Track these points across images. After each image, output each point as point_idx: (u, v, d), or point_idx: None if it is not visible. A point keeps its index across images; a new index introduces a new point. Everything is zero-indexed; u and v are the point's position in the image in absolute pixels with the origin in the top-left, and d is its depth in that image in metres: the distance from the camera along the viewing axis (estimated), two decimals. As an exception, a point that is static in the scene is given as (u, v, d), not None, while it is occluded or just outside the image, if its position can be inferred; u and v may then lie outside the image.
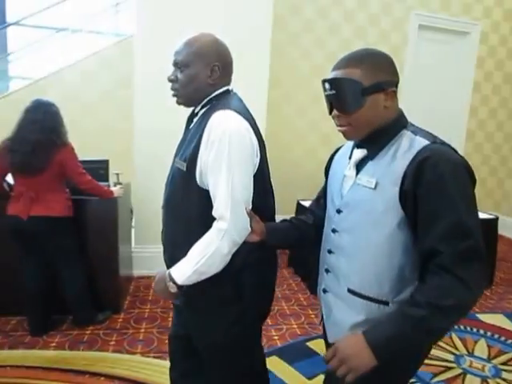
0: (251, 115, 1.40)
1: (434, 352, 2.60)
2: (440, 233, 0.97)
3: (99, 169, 3.01)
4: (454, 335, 2.84)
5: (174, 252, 1.36)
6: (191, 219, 1.34)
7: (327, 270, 1.25)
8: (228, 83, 1.44)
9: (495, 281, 3.91)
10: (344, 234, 1.18)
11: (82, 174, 2.56)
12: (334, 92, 1.11)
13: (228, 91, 1.42)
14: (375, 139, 1.13)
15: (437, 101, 5.30)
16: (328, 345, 1.28)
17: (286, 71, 4.73)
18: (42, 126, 2.43)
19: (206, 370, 1.53)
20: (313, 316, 3.06)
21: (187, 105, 1.43)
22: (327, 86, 1.13)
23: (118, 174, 3.16)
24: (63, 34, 4.81)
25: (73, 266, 2.69)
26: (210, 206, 1.28)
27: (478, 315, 3.18)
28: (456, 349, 2.69)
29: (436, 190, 0.99)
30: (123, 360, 2.43)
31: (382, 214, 1.07)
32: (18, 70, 4.94)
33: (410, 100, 5.04)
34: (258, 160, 1.34)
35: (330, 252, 1.23)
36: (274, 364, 2.43)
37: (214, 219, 1.27)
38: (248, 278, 1.36)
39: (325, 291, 1.26)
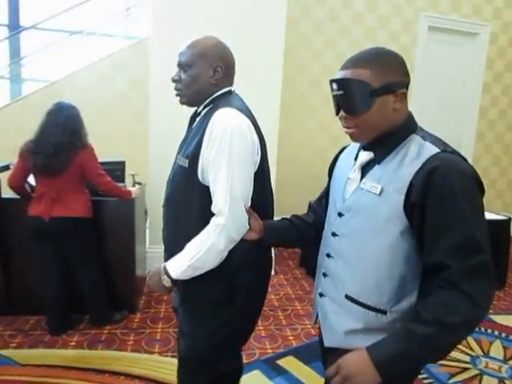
0: (252, 114, 1.42)
1: (451, 353, 2.59)
2: (449, 246, 0.94)
3: (116, 170, 3.04)
4: (469, 336, 2.83)
5: (175, 250, 1.36)
6: (192, 216, 1.35)
7: (325, 274, 1.22)
8: (230, 84, 1.46)
9: (508, 282, 3.89)
10: (344, 239, 1.15)
11: (101, 175, 2.59)
12: (341, 93, 1.08)
13: (230, 92, 1.44)
14: (383, 142, 1.09)
15: (446, 102, 5.29)
16: (323, 348, 1.25)
17: (297, 72, 4.74)
18: (64, 129, 2.47)
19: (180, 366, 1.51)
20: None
21: (190, 104, 1.44)
22: (335, 86, 1.09)
23: (133, 175, 3.18)
24: (76, 37, 4.84)
25: (92, 266, 2.72)
26: (211, 203, 1.29)
27: (491, 316, 3.17)
28: (471, 350, 2.68)
29: (446, 201, 0.95)
30: (141, 359, 2.45)
31: (385, 222, 1.03)
32: (32, 72, 4.97)
33: (420, 101, 5.05)
34: (258, 158, 1.35)
35: (328, 256, 1.20)
36: (291, 364, 2.44)
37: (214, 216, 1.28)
38: (242, 280, 1.36)
39: (321, 295, 1.23)
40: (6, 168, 2.81)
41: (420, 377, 2.35)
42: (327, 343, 1.19)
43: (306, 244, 1.47)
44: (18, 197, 2.69)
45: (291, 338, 2.75)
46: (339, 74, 1.09)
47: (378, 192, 1.05)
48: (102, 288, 2.77)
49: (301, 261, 4.09)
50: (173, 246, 1.40)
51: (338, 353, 1.10)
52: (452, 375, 2.39)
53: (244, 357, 2.45)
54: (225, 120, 1.28)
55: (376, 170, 1.09)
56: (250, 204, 1.32)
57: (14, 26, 4.89)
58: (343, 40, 4.85)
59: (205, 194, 1.30)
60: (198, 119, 1.42)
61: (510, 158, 5.67)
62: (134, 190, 2.83)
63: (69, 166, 2.48)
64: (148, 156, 3.57)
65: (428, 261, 0.99)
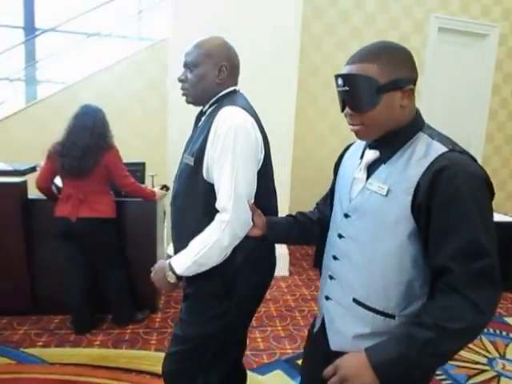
0: (256, 113, 1.44)
1: (467, 355, 2.64)
2: (453, 250, 0.91)
3: (136, 171, 3.06)
4: (484, 338, 2.87)
5: (181, 247, 1.38)
6: (197, 214, 1.37)
7: (331, 277, 1.18)
8: (235, 84, 1.48)
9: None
10: (350, 241, 1.11)
11: (126, 176, 2.63)
12: (346, 88, 1.03)
13: (235, 91, 1.46)
14: (389, 141, 1.05)
15: (456, 103, 5.31)
16: (328, 352, 1.17)
17: (309, 74, 4.76)
18: (92, 132, 2.50)
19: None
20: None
21: (196, 104, 1.47)
22: (340, 81, 1.04)
23: (153, 176, 3.22)
24: (91, 39, 4.86)
25: (116, 266, 2.76)
26: (216, 200, 1.31)
27: (505, 319, 3.21)
28: (488, 352, 2.71)
29: (452, 203, 0.91)
30: (166, 358, 2.49)
31: (392, 224, 1.00)
32: (47, 75, 5.00)
33: (429, 103, 5.07)
34: (262, 156, 1.37)
35: (334, 258, 1.16)
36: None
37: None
38: (242, 278, 1.38)
39: (327, 298, 1.19)
40: (33, 169, 2.85)
41: (438, 378, 2.40)
42: (334, 347, 1.16)
43: (310, 241, 1.46)
44: (43, 198, 2.73)
45: (310, 337, 2.79)
46: (345, 69, 1.04)
47: (384, 193, 1.01)
48: (126, 288, 2.81)
49: (315, 262, 4.13)
50: (179, 243, 1.42)
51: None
52: (470, 377, 2.43)
53: (265, 357, 2.53)
54: (229, 118, 1.30)
55: (382, 169, 1.05)
56: (253, 201, 1.34)
57: (30, 28, 4.91)
58: (354, 41, 4.87)
59: (210, 191, 1.32)
60: (203, 118, 1.44)
61: (520, 160, 5.69)
62: (157, 191, 2.87)
63: (95, 168, 2.52)
64: (165, 156, 3.60)
65: (432, 264, 0.96)
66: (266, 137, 1.43)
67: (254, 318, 2.87)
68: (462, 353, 2.65)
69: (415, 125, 1.05)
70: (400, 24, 5.01)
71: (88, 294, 2.74)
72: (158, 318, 2.98)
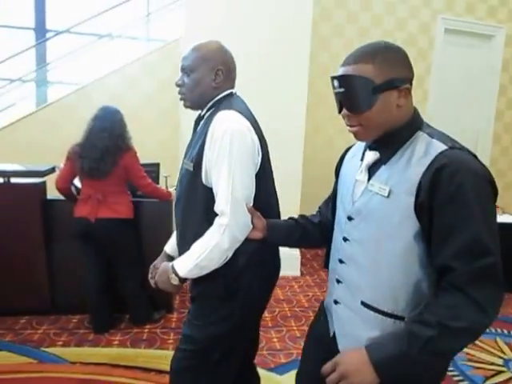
0: (253, 116, 1.45)
1: (482, 356, 2.67)
2: (455, 249, 0.90)
3: (151, 172, 3.08)
4: (498, 339, 2.89)
5: (184, 250, 1.39)
6: (198, 218, 1.38)
7: (338, 281, 1.17)
8: (232, 87, 1.49)
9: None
10: (355, 244, 1.10)
11: (143, 177, 2.65)
12: (342, 90, 1.03)
13: (231, 94, 1.47)
14: (388, 141, 1.04)
15: (463, 104, 5.32)
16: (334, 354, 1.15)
17: (317, 75, 4.76)
18: (111, 134, 2.53)
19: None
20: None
21: (194, 108, 1.48)
22: (336, 83, 1.04)
23: (166, 177, 3.24)
24: (101, 41, 4.87)
25: (133, 266, 2.78)
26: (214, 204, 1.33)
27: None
28: (503, 353, 2.73)
29: (453, 202, 0.90)
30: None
31: (397, 226, 0.99)
32: (59, 76, 5.01)
33: (436, 104, 5.10)
34: (259, 159, 1.38)
35: (341, 261, 1.16)
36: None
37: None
38: (244, 280, 1.39)
39: (336, 302, 1.18)
40: (52, 170, 2.87)
41: (455, 379, 2.42)
42: (343, 350, 1.13)
43: (311, 244, 1.45)
44: (62, 198, 2.76)
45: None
46: (340, 71, 1.04)
47: (386, 194, 1.01)
48: (144, 288, 2.83)
49: (325, 263, 4.15)
50: (182, 246, 1.44)
51: None
52: (487, 378, 2.45)
53: (282, 357, 2.56)
54: (225, 122, 1.32)
55: (383, 170, 1.05)
56: (252, 204, 1.35)
57: (40, 30, 4.92)
58: (362, 42, 4.83)
59: (209, 196, 1.34)
60: (201, 122, 1.45)
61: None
62: (172, 192, 2.90)
63: (114, 169, 2.55)
64: (177, 157, 3.61)
65: (434, 263, 0.96)
66: (263, 139, 1.45)
67: (268, 319, 2.97)
68: (477, 353, 2.68)
69: (413, 124, 1.04)
70: (407, 25, 5.03)
71: (106, 294, 2.77)
72: (174, 317, 3.01)
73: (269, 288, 1.53)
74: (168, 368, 1.53)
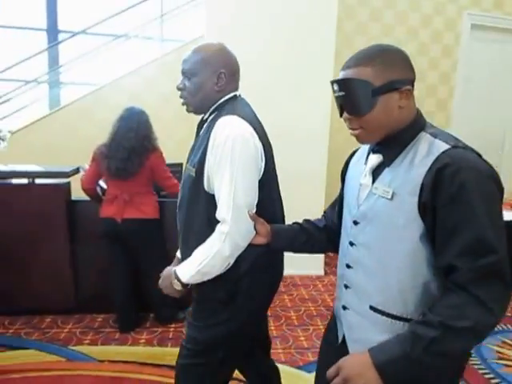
0: (257, 120, 1.46)
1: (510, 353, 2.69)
2: (458, 248, 0.91)
3: (175, 172, 3.15)
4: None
5: (186, 255, 1.43)
6: (200, 224, 1.41)
7: (346, 286, 1.18)
8: (235, 89, 1.49)
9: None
10: (362, 248, 1.12)
11: (169, 177, 2.73)
12: (342, 93, 1.05)
13: (235, 97, 1.48)
14: (391, 143, 1.06)
15: (490, 101, 5.31)
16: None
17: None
18: (137, 134, 2.61)
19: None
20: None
21: (197, 112, 1.49)
22: (336, 87, 1.07)
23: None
24: (116, 42, 4.99)
25: (159, 266, 2.83)
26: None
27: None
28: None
29: (455, 201, 0.92)
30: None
31: (402, 228, 1.00)
32: (74, 77, 5.13)
33: (463, 100, 5.10)
34: (263, 164, 1.39)
35: (348, 266, 1.17)
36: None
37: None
38: (245, 283, 1.41)
39: (345, 308, 1.19)
40: (77, 171, 2.97)
41: (486, 377, 2.44)
42: None
43: (316, 249, 1.44)
44: (86, 199, 2.86)
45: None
46: (340, 75, 1.07)
47: (389, 196, 1.02)
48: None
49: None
50: (185, 251, 1.47)
51: None
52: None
53: (310, 355, 2.62)
54: (227, 128, 1.33)
55: (386, 173, 1.07)
56: (255, 210, 1.36)
57: (52, 31, 5.05)
58: (386, 39, 4.92)
59: (211, 202, 1.36)
60: (204, 126, 1.46)
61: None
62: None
63: (141, 170, 2.62)
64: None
65: (440, 264, 0.97)
66: (268, 144, 1.46)
67: (294, 318, 3.02)
68: (507, 352, 2.70)
69: (416, 125, 1.06)
70: (432, 22, 5.04)
71: (131, 294, 2.85)
72: (199, 317, 3.07)
73: (270, 292, 1.55)
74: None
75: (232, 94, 1.47)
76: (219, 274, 1.37)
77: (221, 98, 1.44)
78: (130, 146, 2.58)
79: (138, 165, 2.60)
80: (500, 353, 2.69)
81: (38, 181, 2.95)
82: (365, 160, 1.18)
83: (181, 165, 3.32)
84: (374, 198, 1.08)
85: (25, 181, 2.94)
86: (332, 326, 1.31)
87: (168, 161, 3.22)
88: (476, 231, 0.90)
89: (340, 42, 4.76)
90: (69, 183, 3.00)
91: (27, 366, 2.46)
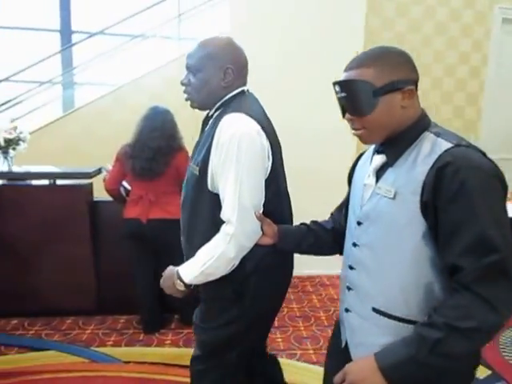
0: (266, 116, 1.43)
1: None
2: (461, 247, 0.91)
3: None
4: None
5: (189, 255, 1.41)
6: (204, 224, 1.39)
7: (349, 288, 1.19)
8: (243, 84, 1.46)
9: None
10: (365, 249, 1.12)
11: None
12: (344, 94, 1.08)
13: (243, 92, 1.44)
14: (394, 144, 1.08)
15: (523, 96, 5.21)
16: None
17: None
18: (162, 133, 2.57)
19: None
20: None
21: (202, 109, 1.46)
22: (337, 88, 1.09)
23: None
24: (134, 41, 5.02)
25: (184, 266, 2.80)
26: (221, 210, 1.32)
27: None
28: None
29: (456, 199, 0.92)
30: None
31: (404, 227, 1.01)
32: (90, 78, 5.16)
33: (494, 97, 5.01)
34: (269, 163, 1.36)
35: (351, 268, 1.17)
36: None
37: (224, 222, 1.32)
38: (253, 282, 1.39)
39: (347, 310, 1.19)
40: (99, 172, 2.95)
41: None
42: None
43: (323, 251, 1.43)
44: (108, 200, 2.85)
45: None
46: (342, 76, 1.09)
47: (392, 196, 1.03)
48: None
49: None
50: (189, 251, 1.45)
51: None
52: None
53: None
54: (232, 126, 1.29)
55: (389, 173, 1.08)
56: (262, 210, 1.34)
57: (66, 32, 5.10)
58: (413, 35, 4.86)
59: (215, 202, 1.33)
60: (210, 122, 1.43)
61: None
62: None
63: (166, 169, 2.59)
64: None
65: (445, 264, 0.97)
66: (275, 142, 1.42)
67: (324, 318, 2.95)
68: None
69: (420, 125, 1.07)
70: (461, 16, 4.97)
71: (156, 295, 2.80)
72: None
73: (279, 292, 1.53)
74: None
75: (240, 90, 1.43)
76: (226, 275, 1.34)
77: (227, 94, 1.41)
78: (156, 146, 2.54)
79: (163, 164, 2.56)
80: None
81: (59, 182, 2.95)
82: (370, 161, 1.19)
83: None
84: (377, 197, 1.09)
85: (46, 182, 2.95)
86: (336, 331, 1.31)
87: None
88: (477, 230, 0.90)
89: (366, 38, 4.71)
90: (91, 184, 2.99)
91: (48, 368, 2.43)
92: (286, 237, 1.38)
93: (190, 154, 1.51)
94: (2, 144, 2.81)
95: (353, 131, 1.11)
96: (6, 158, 2.90)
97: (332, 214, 1.45)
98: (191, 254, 1.39)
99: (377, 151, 1.15)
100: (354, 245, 1.16)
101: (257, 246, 1.34)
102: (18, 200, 2.87)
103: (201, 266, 1.32)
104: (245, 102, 1.40)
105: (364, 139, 1.11)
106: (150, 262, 2.78)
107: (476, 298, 0.89)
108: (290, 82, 3.57)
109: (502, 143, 5.00)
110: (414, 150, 1.03)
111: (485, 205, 0.91)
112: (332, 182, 3.78)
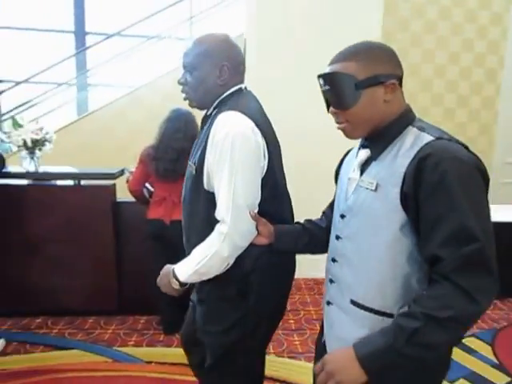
0: (263, 114, 1.45)
1: None
2: (441, 238, 0.93)
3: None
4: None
5: (190, 252, 1.43)
6: (200, 223, 1.41)
7: (331, 281, 1.22)
8: (241, 81, 1.47)
9: None
10: (347, 241, 1.15)
11: None
12: (328, 87, 1.11)
13: (240, 90, 1.45)
14: (378, 138, 1.11)
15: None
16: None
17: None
18: (185, 135, 2.67)
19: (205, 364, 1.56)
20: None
21: (201, 108, 1.48)
22: (321, 81, 1.12)
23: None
24: (148, 43, 5.13)
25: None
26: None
27: None
28: None
29: (437, 191, 0.94)
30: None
31: (382, 218, 1.04)
32: (105, 79, 5.27)
33: (510, 97, 5.04)
34: (266, 162, 1.37)
35: (333, 260, 1.21)
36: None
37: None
38: (255, 279, 1.40)
39: (328, 303, 1.22)
40: (122, 173, 3.08)
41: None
42: None
43: (319, 249, 1.44)
44: (131, 200, 2.96)
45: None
46: (326, 69, 1.13)
47: (373, 187, 1.06)
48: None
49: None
50: (187, 250, 1.49)
51: None
52: None
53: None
54: (227, 124, 1.31)
55: (373, 166, 1.11)
56: (257, 210, 1.36)
57: (80, 33, 5.22)
58: (429, 36, 4.92)
59: (211, 201, 1.35)
60: (208, 121, 1.44)
61: None
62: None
63: None
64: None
65: (424, 255, 0.99)
66: (272, 141, 1.43)
67: None
68: None
69: (403, 120, 1.10)
70: (477, 17, 5.02)
71: (176, 296, 2.89)
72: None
73: (282, 291, 1.55)
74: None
75: (237, 87, 1.45)
76: (227, 272, 1.37)
77: (224, 92, 1.42)
78: (179, 147, 2.63)
79: (186, 166, 2.64)
80: None
81: (83, 182, 3.08)
82: (356, 156, 1.22)
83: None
84: (360, 190, 1.12)
85: (70, 182, 3.08)
86: (321, 325, 1.34)
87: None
88: (457, 221, 0.92)
89: (381, 40, 4.79)
90: (114, 184, 3.12)
91: (72, 366, 2.56)
92: (281, 236, 1.40)
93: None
94: (30, 144, 2.95)
95: (337, 125, 1.15)
96: (32, 158, 3.04)
97: (324, 212, 1.47)
98: (188, 251, 1.43)
99: (362, 146, 1.19)
100: (337, 237, 1.19)
101: (252, 245, 1.36)
102: (44, 200, 3.01)
103: (195, 265, 1.34)
104: (241, 100, 1.41)
105: (347, 133, 1.14)
106: (172, 264, 2.86)
107: (455, 288, 0.91)
108: (306, 83, 3.63)
109: (518, 147, 5.04)
110: (397, 143, 1.07)
111: (465, 196, 0.93)
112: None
